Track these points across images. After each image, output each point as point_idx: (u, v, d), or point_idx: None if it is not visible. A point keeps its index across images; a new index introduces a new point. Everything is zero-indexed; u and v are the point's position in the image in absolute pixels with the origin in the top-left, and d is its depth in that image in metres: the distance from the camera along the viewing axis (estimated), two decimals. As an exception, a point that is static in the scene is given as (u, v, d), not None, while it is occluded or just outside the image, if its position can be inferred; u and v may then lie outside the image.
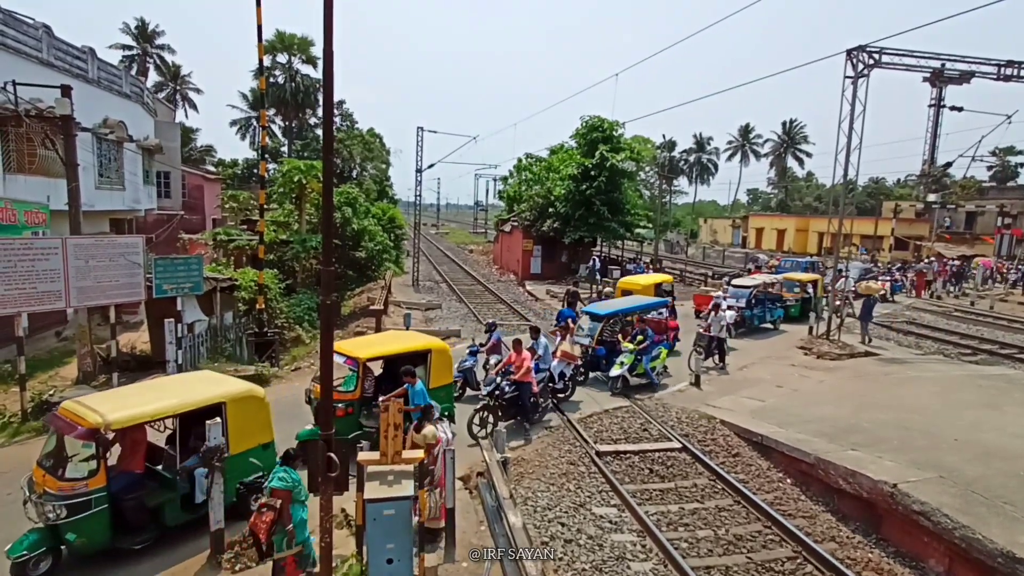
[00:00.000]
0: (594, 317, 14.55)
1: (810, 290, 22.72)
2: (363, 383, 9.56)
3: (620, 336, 14.26)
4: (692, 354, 15.15)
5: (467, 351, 13.57)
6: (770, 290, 21.16)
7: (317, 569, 5.87)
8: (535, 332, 12.20)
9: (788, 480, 9.82)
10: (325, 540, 5.42)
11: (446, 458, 7.06)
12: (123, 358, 13.45)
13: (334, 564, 5.88)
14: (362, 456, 6.22)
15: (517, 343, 11.25)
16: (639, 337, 13.67)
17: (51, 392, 11.30)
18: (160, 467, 7.65)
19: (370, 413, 9.64)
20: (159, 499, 7.11)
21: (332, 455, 5.34)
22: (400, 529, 5.55)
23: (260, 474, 7.43)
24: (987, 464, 8.91)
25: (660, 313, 15.82)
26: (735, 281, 21.97)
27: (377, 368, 10.67)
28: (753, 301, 19.98)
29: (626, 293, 20.78)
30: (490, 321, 15.28)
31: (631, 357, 13.16)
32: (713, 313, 15.50)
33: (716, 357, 15.55)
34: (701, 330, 15.58)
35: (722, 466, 9.97)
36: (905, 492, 7.94)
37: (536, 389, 11.11)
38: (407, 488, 5.68)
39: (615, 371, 13.10)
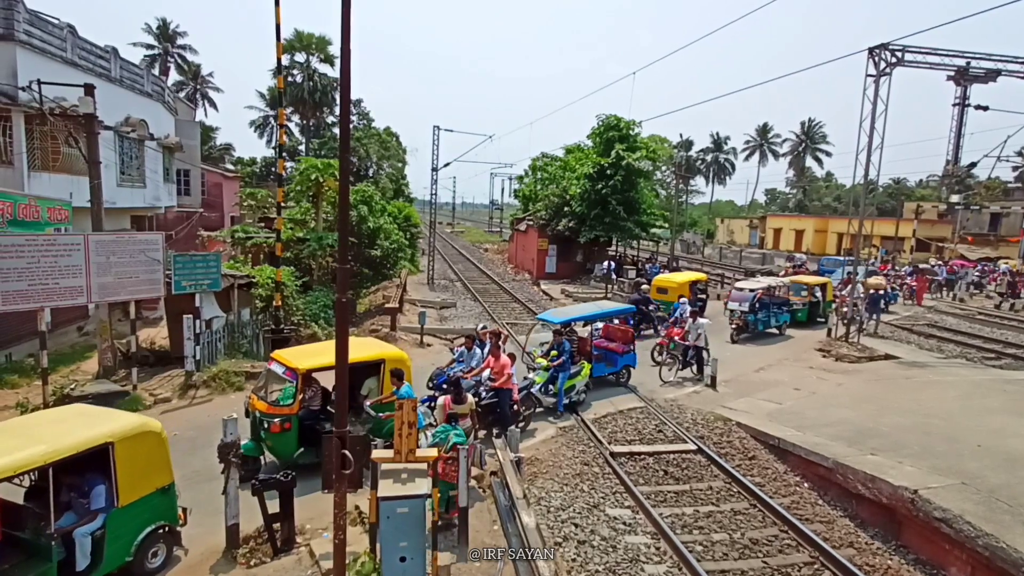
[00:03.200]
0: (549, 324, 13.17)
1: (818, 294, 21.92)
2: (304, 395, 8.77)
3: (535, 351, 12.94)
4: (662, 368, 14.39)
5: (456, 357, 12.13)
6: (775, 294, 20.34)
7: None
8: (469, 341, 11.40)
9: (805, 484, 9.70)
10: (339, 537, 5.44)
11: (460, 456, 7.06)
12: (142, 353, 13.65)
13: (347, 561, 5.89)
14: (376, 454, 6.23)
15: (495, 347, 10.71)
16: (552, 352, 12.14)
17: (72, 386, 11.49)
18: (24, 532, 5.93)
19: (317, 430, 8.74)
20: (29, 574, 5.59)
21: (346, 452, 5.37)
22: (413, 527, 5.55)
23: (159, 524, 6.52)
24: (1012, 471, 8.72)
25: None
26: (738, 284, 21.17)
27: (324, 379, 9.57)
28: (757, 305, 19.07)
29: (661, 291, 20.73)
30: (482, 326, 13.67)
31: (544, 375, 11.86)
32: (691, 320, 14.69)
33: (694, 368, 14.50)
34: (677, 338, 14.61)
35: (738, 469, 9.86)
36: (926, 498, 7.80)
37: (517, 397, 10.47)
38: (421, 486, 5.68)
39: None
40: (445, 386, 10.54)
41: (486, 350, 11.58)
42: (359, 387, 9.55)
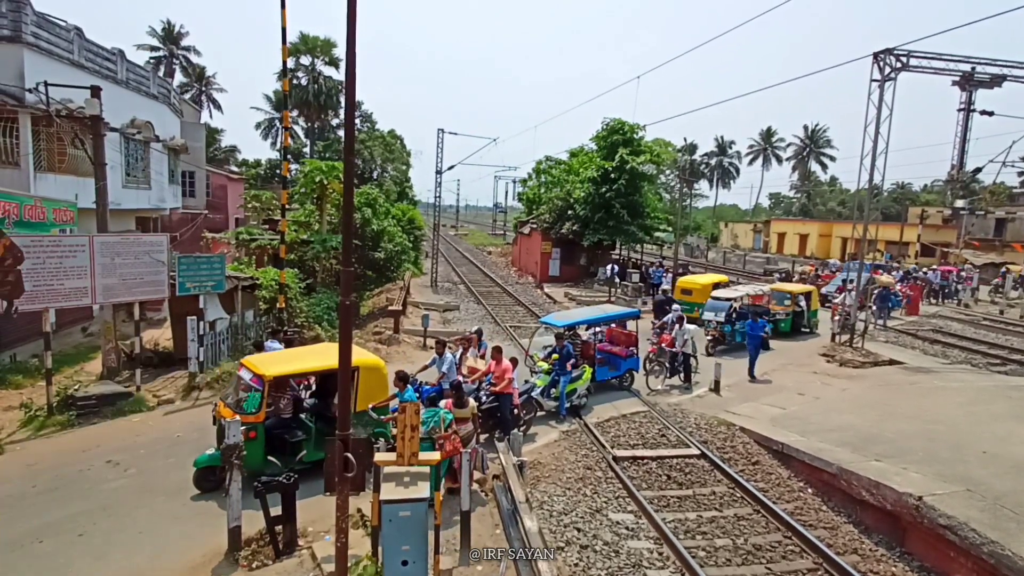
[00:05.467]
0: (552, 328, 13.07)
1: (802, 303, 20.60)
2: (281, 403, 8.71)
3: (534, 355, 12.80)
4: (648, 377, 14.15)
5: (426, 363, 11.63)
6: (755, 303, 19.36)
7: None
8: (441, 346, 11.22)
9: (809, 490, 9.65)
10: (341, 540, 5.44)
11: (463, 459, 7.06)
12: (146, 354, 13.68)
13: (349, 564, 5.89)
14: (379, 457, 6.23)
15: (497, 351, 10.68)
16: (554, 356, 12.06)
17: (76, 387, 11.53)
18: None
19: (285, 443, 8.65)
20: None
21: (349, 455, 5.37)
22: (415, 531, 5.54)
23: None
24: (1017, 478, 8.66)
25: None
26: (715, 292, 19.71)
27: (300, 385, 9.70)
28: (733, 315, 17.96)
29: (686, 292, 20.57)
30: (476, 328, 13.63)
31: (545, 378, 11.76)
32: (677, 326, 14.33)
33: (681, 375, 14.25)
34: (664, 345, 14.33)
35: (741, 474, 9.82)
36: (931, 505, 7.75)
37: (518, 402, 10.41)
38: (423, 490, 5.67)
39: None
40: (416, 394, 10.42)
41: (457, 355, 11.59)
42: (332, 395, 9.26)
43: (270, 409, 8.76)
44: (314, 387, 10.23)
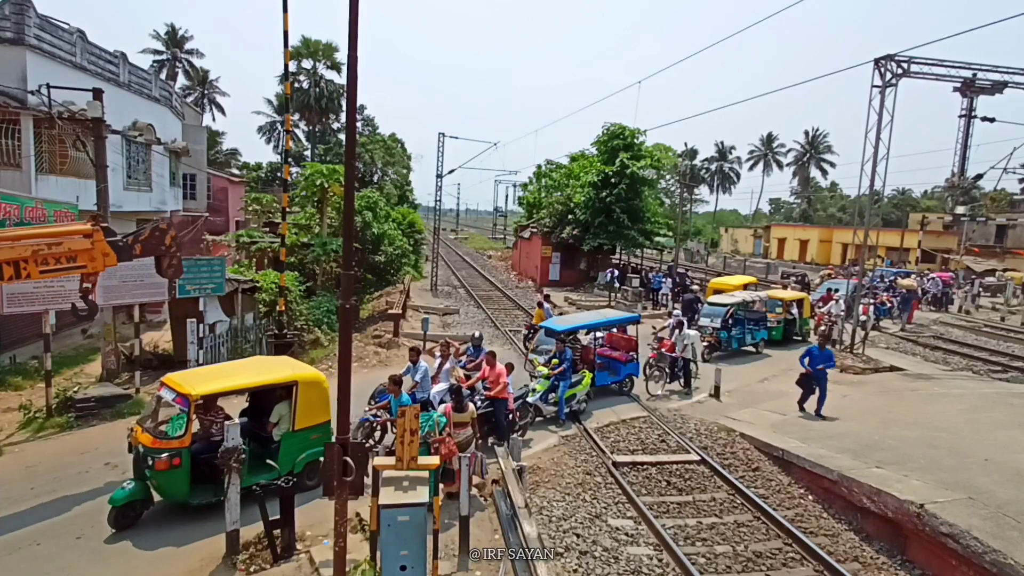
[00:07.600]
0: (551, 333, 12.92)
1: (794, 311, 20.24)
2: (213, 426, 8.09)
3: (533, 359, 12.73)
4: (648, 382, 14.08)
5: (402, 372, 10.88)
6: (752, 308, 19.09)
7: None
8: (415, 354, 10.79)
9: (810, 497, 9.61)
10: (339, 544, 5.41)
11: (462, 464, 7.03)
12: (146, 356, 13.67)
13: (347, 569, 5.86)
14: (378, 461, 6.21)
15: (491, 356, 10.62)
16: (554, 360, 12.01)
17: (75, 389, 11.50)
18: None
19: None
20: None
21: (348, 459, 5.35)
22: (414, 535, 5.51)
23: None
24: (1020, 486, 8.61)
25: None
26: (711, 297, 19.32)
27: (232, 403, 9.13)
28: (730, 321, 17.68)
29: (717, 292, 20.64)
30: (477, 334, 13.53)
31: (545, 383, 11.69)
32: (677, 331, 14.21)
33: (681, 381, 14.15)
34: (664, 350, 14.26)
35: (741, 480, 9.79)
36: (932, 513, 7.71)
37: (513, 406, 10.36)
38: (422, 494, 5.65)
39: (529, 399, 11.45)
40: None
41: (436, 363, 11.37)
42: (267, 413, 8.51)
43: (197, 432, 7.91)
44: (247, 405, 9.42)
